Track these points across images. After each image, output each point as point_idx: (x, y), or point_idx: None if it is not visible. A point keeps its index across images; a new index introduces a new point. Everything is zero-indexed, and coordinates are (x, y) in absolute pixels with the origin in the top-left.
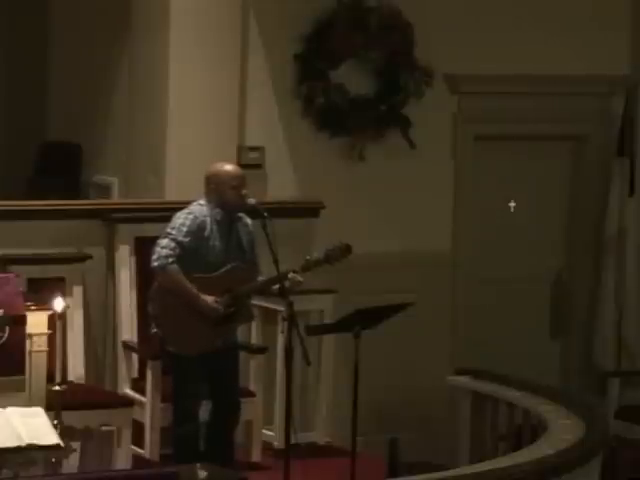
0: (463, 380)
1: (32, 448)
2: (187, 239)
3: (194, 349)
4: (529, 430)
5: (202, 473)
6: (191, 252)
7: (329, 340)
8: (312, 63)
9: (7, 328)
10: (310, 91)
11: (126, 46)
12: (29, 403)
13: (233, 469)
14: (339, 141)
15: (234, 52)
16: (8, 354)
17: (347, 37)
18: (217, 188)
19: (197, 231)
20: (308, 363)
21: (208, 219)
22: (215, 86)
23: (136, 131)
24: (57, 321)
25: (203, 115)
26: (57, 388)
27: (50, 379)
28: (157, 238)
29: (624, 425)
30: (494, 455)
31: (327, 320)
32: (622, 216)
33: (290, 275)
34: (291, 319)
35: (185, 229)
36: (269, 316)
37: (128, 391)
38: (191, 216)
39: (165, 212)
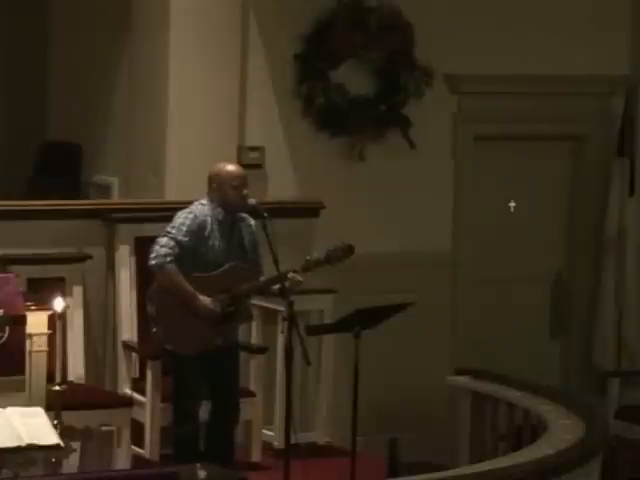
0: (463, 380)
1: (32, 448)
2: (186, 238)
3: (193, 348)
4: (529, 430)
5: (202, 473)
6: (190, 251)
7: (329, 340)
8: (312, 63)
9: (7, 328)
10: (310, 91)
11: (126, 46)
12: (29, 403)
13: (233, 469)
14: (339, 141)
15: (234, 52)
16: (8, 354)
17: (347, 37)
18: (219, 188)
19: (197, 230)
20: (308, 363)
21: (209, 218)
22: (215, 86)
23: (136, 131)
24: (57, 321)
25: (203, 115)
26: (57, 388)
27: (50, 379)
28: (157, 238)
29: (624, 425)
30: (494, 455)
31: (327, 320)
32: (622, 216)
33: (290, 275)
34: (291, 319)
35: (185, 228)
36: (269, 316)
37: (128, 391)
38: (191, 215)
39: (165, 212)
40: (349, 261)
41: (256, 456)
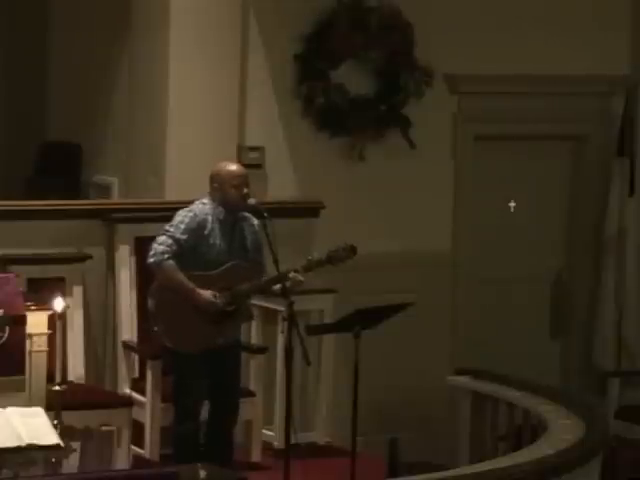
0: (463, 380)
1: (32, 448)
2: (184, 236)
3: (193, 346)
4: (529, 430)
5: (202, 473)
6: (191, 250)
7: (329, 340)
8: (312, 63)
9: (7, 328)
10: (310, 91)
11: (126, 45)
12: (29, 403)
13: (232, 469)
14: (339, 141)
15: (234, 51)
16: (8, 354)
17: (347, 37)
18: (219, 187)
19: (196, 229)
20: (308, 363)
21: (209, 217)
22: (215, 85)
23: (136, 131)
24: (57, 321)
25: (203, 114)
26: (57, 388)
27: (50, 379)
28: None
29: (624, 425)
30: (494, 455)
31: (327, 320)
32: (622, 216)
33: (291, 275)
34: (291, 319)
35: (183, 226)
36: (269, 316)
37: (128, 391)
38: (191, 214)
39: (165, 212)
40: (349, 261)
41: (256, 456)
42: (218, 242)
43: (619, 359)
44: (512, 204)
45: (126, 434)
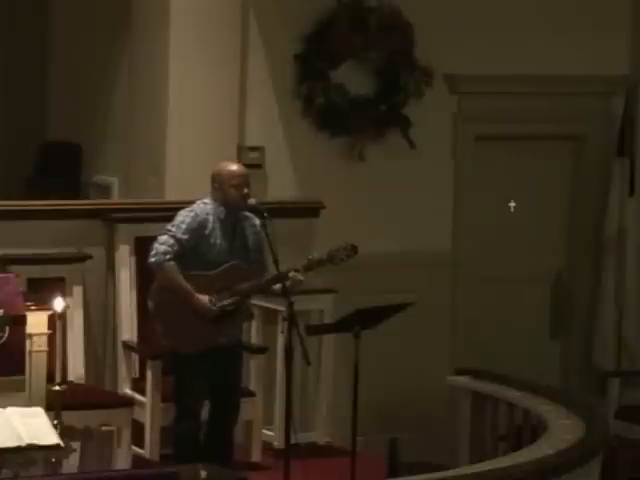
0: (463, 380)
1: (32, 448)
2: (186, 236)
3: (193, 347)
4: (529, 430)
5: (202, 473)
6: (191, 250)
7: (329, 340)
8: (312, 63)
9: (7, 328)
10: (310, 91)
11: (126, 45)
12: (29, 403)
13: (232, 469)
14: (339, 141)
15: (234, 51)
16: (8, 354)
17: (347, 37)
18: (220, 187)
19: (197, 229)
20: (308, 363)
21: (210, 217)
22: (215, 85)
23: (136, 130)
24: (57, 321)
25: (203, 114)
26: (57, 388)
27: (50, 379)
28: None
29: (624, 425)
30: (494, 455)
31: (327, 320)
32: (622, 216)
33: (291, 274)
34: (291, 319)
35: (184, 226)
36: (269, 316)
37: (128, 391)
38: (192, 214)
39: (165, 212)
40: (350, 261)
41: (256, 456)
42: (219, 242)
43: (619, 359)
44: (512, 204)
45: (126, 434)
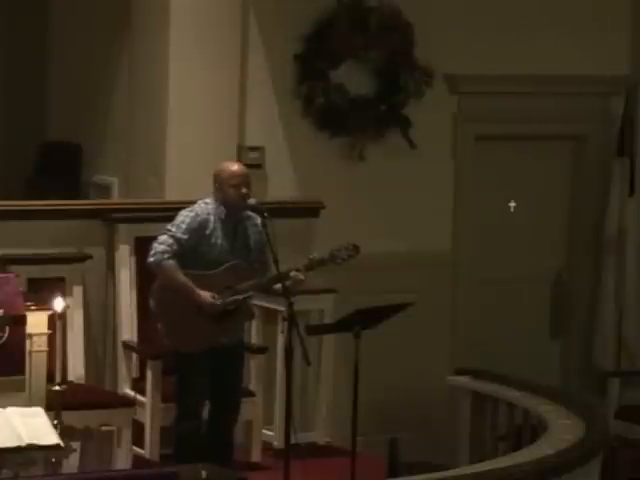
0: (463, 380)
1: (32, 448)
2: (186, 236)
3: (195, 346)
4: (529, 430)
5: (203, 473)
6: (192, 250)
7: (329, 340)
8: (312, 63)
9: (7, 328)
10: (310, 91)
11: (126, 45)
12: (29, 403)
13: (232, 469)
14: (339, 141)
15: (234, 51)
16: (8, 354)
17: (347, 37)
18: (220, 187)
19: (198, 229)
20: (308, 363)
21: (211, 217)
22: (215, 85)
23: (136, 130)
24: (57, 321)
25: (203, 114)
26: (57, 388)
27: (50, 379)
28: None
29: (624, 425)
30: (494, 455)
31: (327, 320)
32: (622, 216)
33: (292, 274)
34: (291, 319)
35: (184, 226)
36: (269, 316)
37: (128, 391)
38: (192, 214)
39: (165, 212)
40: (350, 261)
41: (256, 456)
42: (220, 242)
43: (619, 359)
44: (512, 204)
45: (126, 434)
